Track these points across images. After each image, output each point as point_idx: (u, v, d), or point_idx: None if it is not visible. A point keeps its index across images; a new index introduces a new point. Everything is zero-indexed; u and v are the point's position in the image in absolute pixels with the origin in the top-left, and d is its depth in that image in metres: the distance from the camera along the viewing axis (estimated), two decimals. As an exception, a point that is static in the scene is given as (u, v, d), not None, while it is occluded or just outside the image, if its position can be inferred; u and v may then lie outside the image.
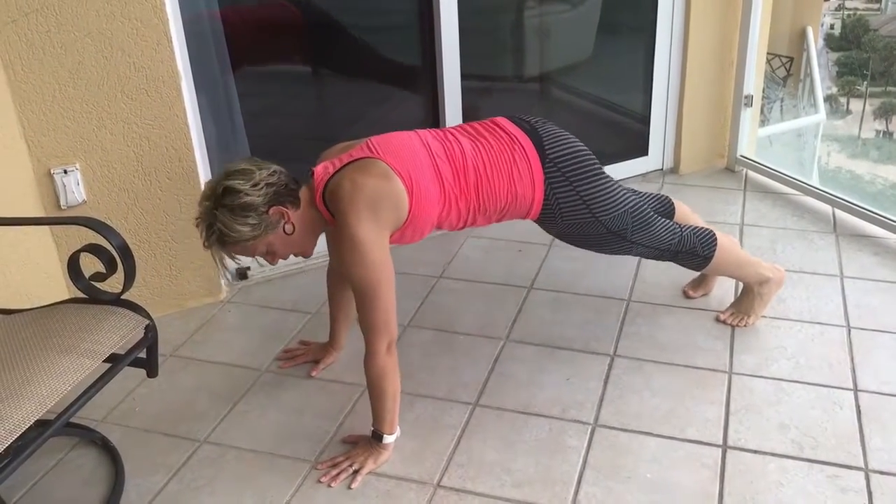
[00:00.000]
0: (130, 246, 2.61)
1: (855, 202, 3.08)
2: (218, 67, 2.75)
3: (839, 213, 3.14)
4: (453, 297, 2.82)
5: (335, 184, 2.02)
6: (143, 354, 2.05)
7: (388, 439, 2.10)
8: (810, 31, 10.10)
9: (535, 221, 2.28)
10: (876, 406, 2.21)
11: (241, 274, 2.93)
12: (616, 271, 2.90)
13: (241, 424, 2.28)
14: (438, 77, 3.11)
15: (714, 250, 2.42)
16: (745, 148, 3.50)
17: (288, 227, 2.03)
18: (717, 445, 2.11)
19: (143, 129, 2.54)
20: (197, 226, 2.02)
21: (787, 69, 10.23)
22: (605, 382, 2.36)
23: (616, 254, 2.39)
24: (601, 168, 2.26)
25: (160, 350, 2.56)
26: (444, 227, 2.20)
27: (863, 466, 2.02)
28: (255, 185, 1.95)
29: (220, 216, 1.94)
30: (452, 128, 2.24)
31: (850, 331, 2.51)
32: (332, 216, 2.05)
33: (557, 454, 2.12)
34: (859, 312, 2.59)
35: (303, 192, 2.07)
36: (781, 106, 9.97)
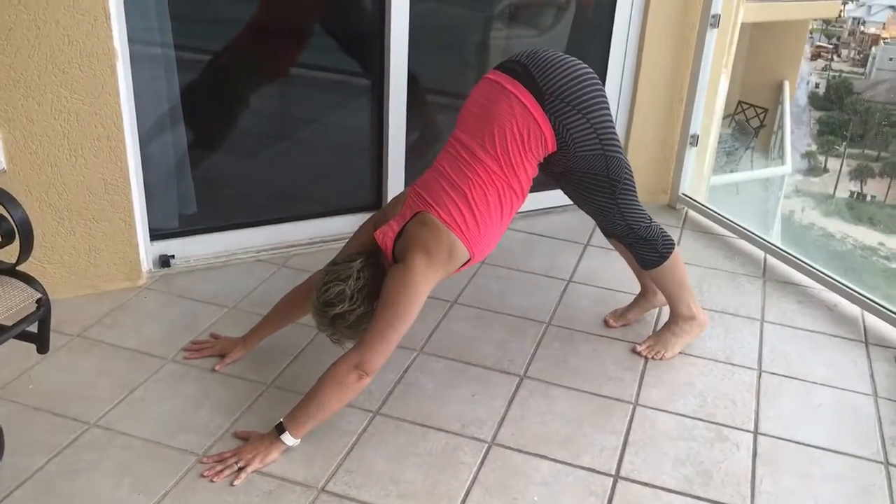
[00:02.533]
0: (49, 221, 2.60)
1: (786, 249, 3.10)
2: (161, 53, 2.73)
3: (770, 258, 3.16)
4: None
5: (401, 241, 2.15)
6: (34, 329, 2.00)
7: (287, 439, 2.07)
8: (787, 85, 10.27)
9: (554, 156, 2.24)
10: (773, 450, 2.21)
11: (164, 262, 2.89)
12: (542, 294, 2.89)
13: (136, 411, 2.24)
14: (385, 94, 3.10)
15: (671, 252, 2.47)
16: (689, 187, 3.52)
17: None
18: (609, 475, 2.10)
19: (72, 103, 2.50)
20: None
21: (760, 120, 10.39)
22: (510, 402, 2.35)
23: (599, 210, 2.39)
24: (605, 96, 2.26)
25: (67, 330, 2.55)
26: (518, 207, 2.27)
27: (748, 508, 2.01)
28: (352, 299, 2.11)
29: (342, 332, 2.16)
30: (455, 131, 2.26)
31: (760, 374, 2.52)
32: None
33: (448, 469, 2.09)
34: (773, 357, 2.60)
35: (382, 258, 2.20)
36: (752, 155, 10.12)
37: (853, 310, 2.86)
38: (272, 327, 2.46)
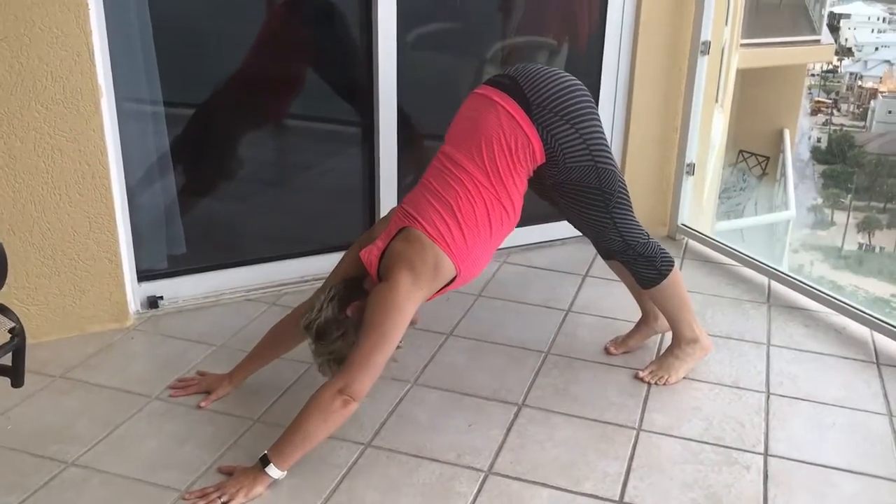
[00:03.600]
0: (33, 261, 2.56)
1: (790, 274, 3.02)
2: (146, 87, 2.71)
3: (775, 284, 3.08)
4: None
5: (385, 259, 2.09)
6: (8, 362, 1.93)
7: (273, 472, 1.97)
8: (787, 133, 10.29)
9: (544, 168, 2.19)
10: (784, 471, 2.10)
11: (152, 303, 2.82)
12: (540, 324, 2.81)
13: (117, 449, 2.15)
14: (376, 140, 3.08)
15: (670, 270, 2.40)
16: (687, 217, 3.46)
17: None
18: (613, 501, 1.99)
19: (56, 140, 2.47)
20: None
21: (762, 168, 10.39)
22: (508, 431, 2.25)
23: (594, 225, 2.32)
24: (595, 109, 2.23)
25: (50, 371, 2.48)
26: (509, 228, 2.22)
27: (762, 530, 1.90)
28: (319, 309, 2.09)
29: (317, 349, 2.12)
30: (442, 145, 2.22)
31: (769, 397, 2.41)
32: None
33: (443, 499, 1.98)
34: (781, 380, 2.50)
35: (367, 282, 2.15)
36: (756, 202, 10.08)
37: (862, 331, 2.76)
38: (259, 362, 2.39)
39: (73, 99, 2.46)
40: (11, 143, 2.43)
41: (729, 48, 5.58)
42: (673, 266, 2.40)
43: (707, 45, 3.22)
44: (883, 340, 2.70)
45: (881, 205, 23.62)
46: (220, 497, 1.95)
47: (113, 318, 2.72)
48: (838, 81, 32.88)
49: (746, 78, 8.52)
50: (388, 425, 2.27)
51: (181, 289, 2.89)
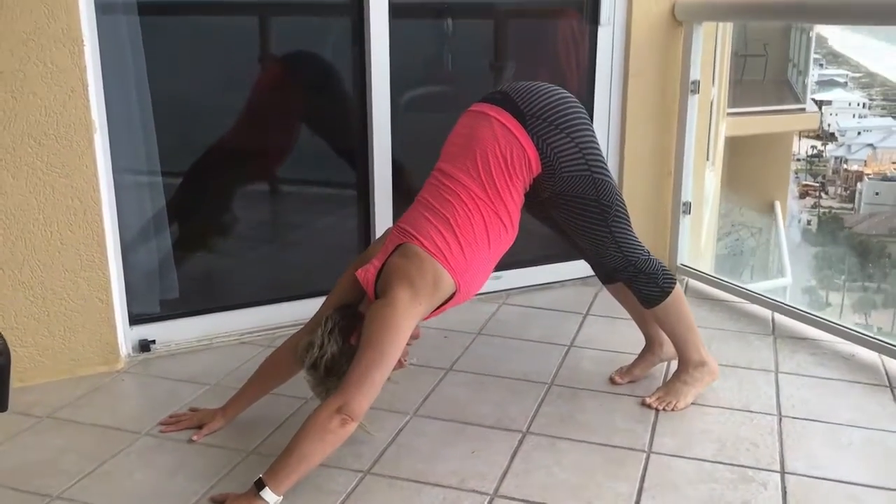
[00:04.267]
0: (22, 301, 2.51)
1: (795, 306, 2.98)
2: (141, 130, 2.71)
3: (779, 316, 3.02)
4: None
5: (382, 277, 2.05)
6: (-8, 384, 1.85)
7: (268, 496, 1.87)
8: (778, 206, 10.39)
9: (540, 180, 2.16)
10: (805, 487, 2.01)
11: (144, 346, 2.75)
12: (542, 358, 2.74)
13: (104, 483, 2.05)
14: (371, 193, 3.08)
15: (672, 287, 2.35)
16: (687, 256, 3.43)
17: None
18: (626, 519, 1.89)
19: (48, 176, 2.45)
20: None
21: (756, 241, 10.44)
22: (513, 457, 2.16)
23: (593, 239, 2.28)
24: (590, 122, 2.22)
25: (37, 412, 2.39)
26: (507, 242, 2.17)
27: (785, 542, 1.79)
28: (321, 345, 2.03)
29: (325, 384, 2.04)
30: (437, 163, 2.20)
31: (781, 419, 2.33)
32: None
33: (447, 523, 1.89)
34: (792, 403, 2.42)
35: (364, 304, 2.11)
36: (752, 271, 10.10)
37: (872, 357, 2.70)
38: (252, 396, 2.31)
39: (67, 134, 2.45)
40: (3, 179, 2.40)
41: (717, 109, 5.66)
42: (675, 283, 2.36)
43: (696, 84, 3.26)
44: (894, 364, 2.64)
45: (875, 285, 23.66)
46: (211, 525, 1.85)
47: (103, 361, 2.64)
48: (824, 165, 33.49)
49: (735, 150, 8.64)
50: (388, 454, 2.18)
51: (174, 332, 2.82)
